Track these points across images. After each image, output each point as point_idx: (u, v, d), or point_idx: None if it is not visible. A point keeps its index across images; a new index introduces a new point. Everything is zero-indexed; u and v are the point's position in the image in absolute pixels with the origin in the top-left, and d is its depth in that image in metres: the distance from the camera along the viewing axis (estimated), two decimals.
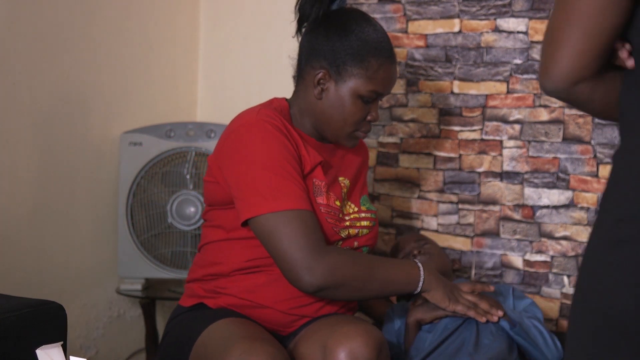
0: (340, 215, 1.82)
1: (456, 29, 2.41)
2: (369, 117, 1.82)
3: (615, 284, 1.07)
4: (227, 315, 1.77)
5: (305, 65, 1.82)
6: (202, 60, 2.90)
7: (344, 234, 1.82)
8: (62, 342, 1.17)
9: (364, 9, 2.48)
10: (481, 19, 2.38)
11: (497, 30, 2.37)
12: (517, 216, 2.35)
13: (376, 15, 2.49)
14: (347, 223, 1.83)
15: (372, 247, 1.94)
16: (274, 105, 1.84)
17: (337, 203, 1.83)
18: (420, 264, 1.79)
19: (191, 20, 2.86)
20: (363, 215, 1.89)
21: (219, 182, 1.78)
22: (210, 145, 2.54)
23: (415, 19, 2.46)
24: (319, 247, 1.67)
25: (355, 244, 1.86)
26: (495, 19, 2.37)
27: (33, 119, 2.28)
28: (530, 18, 2.31)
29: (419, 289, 1.77)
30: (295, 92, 1.88)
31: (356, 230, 1.86)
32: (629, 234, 1.06)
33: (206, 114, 2.90)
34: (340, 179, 1.89)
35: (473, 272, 2.36)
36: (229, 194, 1.76)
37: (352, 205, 1.89)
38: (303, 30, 1.86)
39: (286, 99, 1.90)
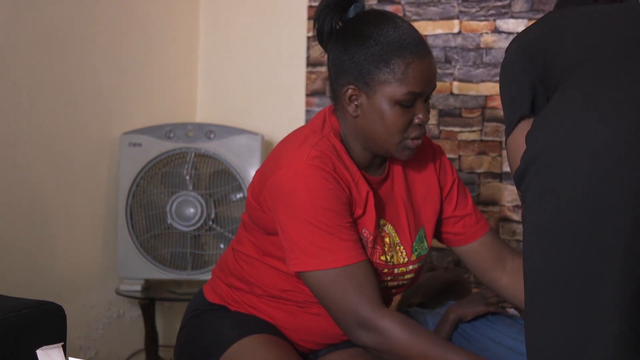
0: (385, 270, 1.68)
1: (456, 30, 2.41)
2: (416, 121, 1.61)
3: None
4: (257, 327, 1.73)
5: (335, 85, 1.66)
6: (202, 61, 2.90)
7: (381, 285, 1.67)
8: (62, 343, 1.17)
9: None
10: (481, 20, 2.38)
11: (496, 31, 2.37)
12: (516, 217, 2.35)
13: None
14: (389, 278, 1.69)
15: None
16: (325, 132, 1.67)
17: (382, 258, 1.67)
18: None
19: (191, 20, 2.86)
20: (411, 267, 1.72)
21: (265, 212, 1.68)
22: (209, 145, 2.54)
23: (415, 20, 2.46)
24: (372, 305, 1.56)
25: (393, 291, 1.75)
26: (494, 20, 2.37)
27: (33, 119, 2.28)
28: (530, 19, 2.31)
29: None
30: (337, 114, 1.70)
31: (396, 282, 1.72)
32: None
33: (206, 114, 2.90)
34: (382, 222, 1.69)
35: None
36: (273, 227, 1.67)
37: (403, 253, 1.72)
38: (328, 45, 1.70)
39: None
